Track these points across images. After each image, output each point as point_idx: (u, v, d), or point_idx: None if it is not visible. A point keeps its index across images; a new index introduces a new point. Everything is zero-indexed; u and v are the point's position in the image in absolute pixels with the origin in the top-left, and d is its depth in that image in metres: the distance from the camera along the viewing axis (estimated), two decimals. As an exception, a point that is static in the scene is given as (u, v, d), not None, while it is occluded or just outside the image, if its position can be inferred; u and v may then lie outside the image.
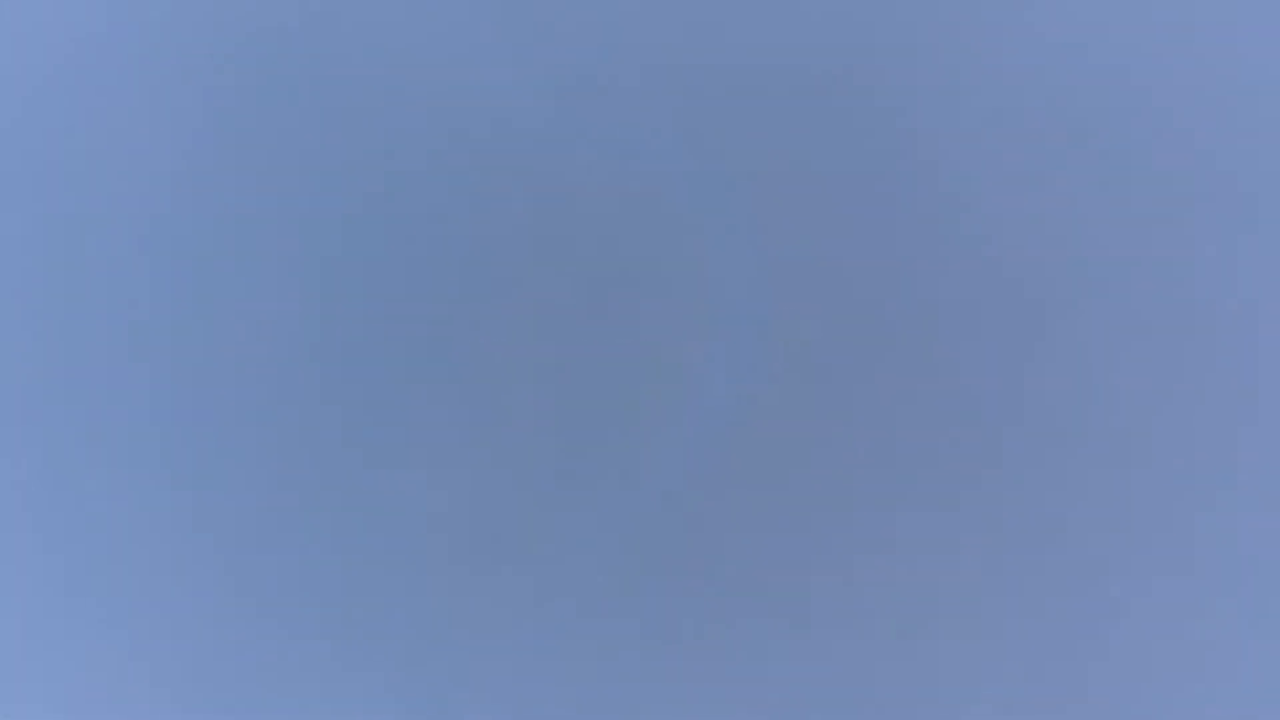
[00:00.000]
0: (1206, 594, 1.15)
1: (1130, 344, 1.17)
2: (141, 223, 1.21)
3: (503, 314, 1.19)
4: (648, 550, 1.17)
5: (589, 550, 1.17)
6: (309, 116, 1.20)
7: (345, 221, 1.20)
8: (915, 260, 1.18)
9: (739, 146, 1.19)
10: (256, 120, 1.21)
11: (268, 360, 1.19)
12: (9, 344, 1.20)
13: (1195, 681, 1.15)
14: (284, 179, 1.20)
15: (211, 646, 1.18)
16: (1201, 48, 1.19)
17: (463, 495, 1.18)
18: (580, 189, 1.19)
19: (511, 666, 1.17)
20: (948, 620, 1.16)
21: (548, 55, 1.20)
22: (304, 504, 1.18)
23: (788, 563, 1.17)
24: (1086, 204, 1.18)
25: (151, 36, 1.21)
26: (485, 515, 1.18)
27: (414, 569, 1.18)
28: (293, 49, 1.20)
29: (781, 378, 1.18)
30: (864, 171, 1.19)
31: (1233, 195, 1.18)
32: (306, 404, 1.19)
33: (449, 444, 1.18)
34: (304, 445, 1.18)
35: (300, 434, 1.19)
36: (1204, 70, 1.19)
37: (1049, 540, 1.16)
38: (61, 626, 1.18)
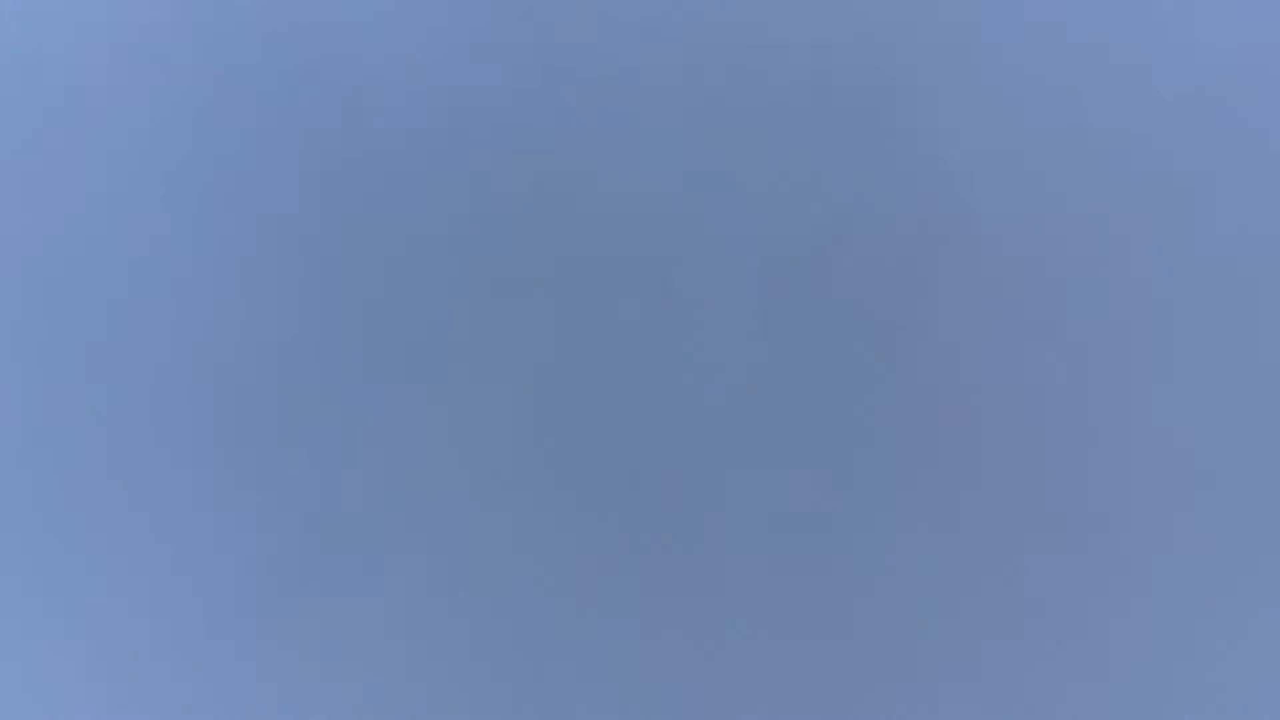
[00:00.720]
0: (1206, 595, 1.16)
1: (1130, 346, 1.18)
2: (143, 220, 1.21)
3: (501, 314, 1.19)
4: (645, 549, 1.17)
5: (586, 549, 1.17)
6: (310, 115, 1.21)
7: (345, 221, 1.20)
8: (915, 261, 1.18)
9: (740, 146, 1.20)
10: (257, 119, 1.21)
11: (267, 357, 1.19)
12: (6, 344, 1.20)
13: (1194, 681, 1.15)
14: (284, 177, 1.20)
15: (204, 648, 1.18)
16: (1201, 48, 1.20)
17: (460, 494, 1.18)
18: (580, 188, 1.20)
19: (508, 666, 1.17)
20: (946, 620, 1.16)
21: (548, 55, 1.21)
22: (303, 503, 1.18)
23: (786, 562, 1.17)
24: (1088, 208, 1.18)
25: (150, 36, 1.21)
26: (483, 514, 1.18)
27: (411, 568, 1.18)
28: (293, 48, 1.21)
29: (781, 376, 1.18)
30: (864, 172, 1.19)
31: (1234, 195, 1.18)
32: (306, 403, 1.19)
33: (448, 443, 1.18)
34: (304, 442, 1.19)
35: (299, 432, 1.19)
36: (1203, 71, 1.19)
37: (1048, 540, 1.16)
38: (57, 627, 1.18)
